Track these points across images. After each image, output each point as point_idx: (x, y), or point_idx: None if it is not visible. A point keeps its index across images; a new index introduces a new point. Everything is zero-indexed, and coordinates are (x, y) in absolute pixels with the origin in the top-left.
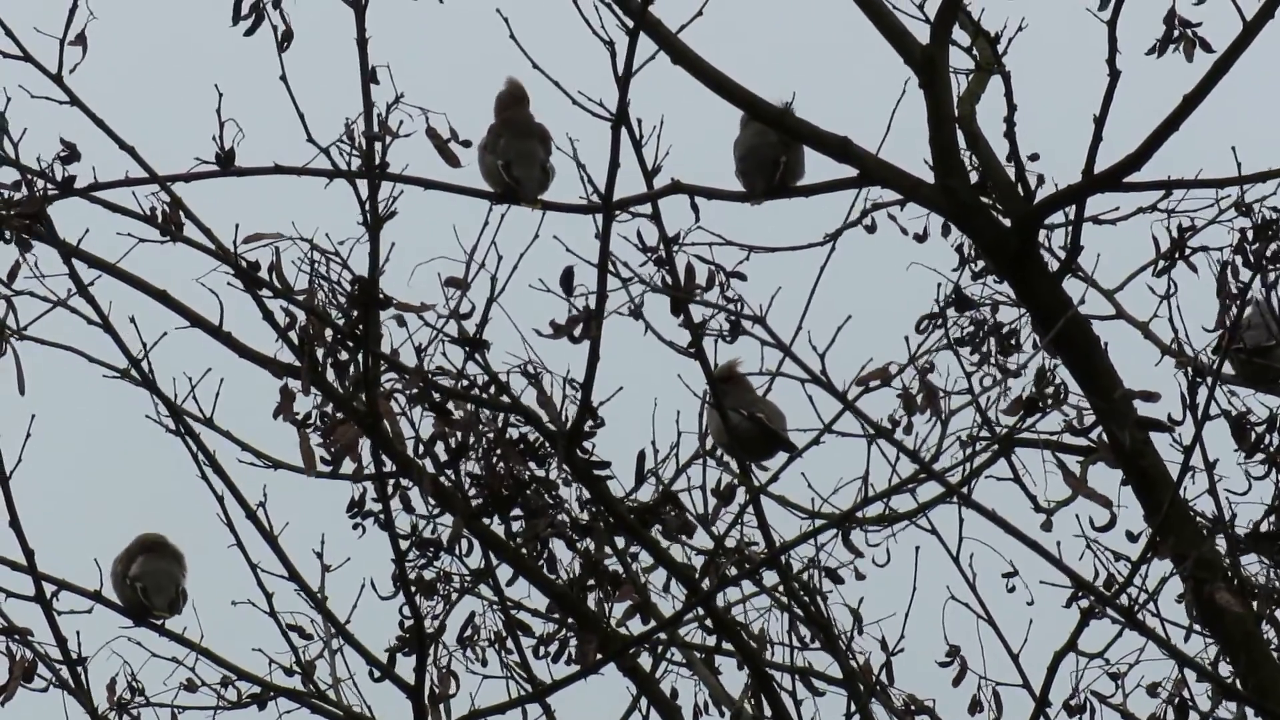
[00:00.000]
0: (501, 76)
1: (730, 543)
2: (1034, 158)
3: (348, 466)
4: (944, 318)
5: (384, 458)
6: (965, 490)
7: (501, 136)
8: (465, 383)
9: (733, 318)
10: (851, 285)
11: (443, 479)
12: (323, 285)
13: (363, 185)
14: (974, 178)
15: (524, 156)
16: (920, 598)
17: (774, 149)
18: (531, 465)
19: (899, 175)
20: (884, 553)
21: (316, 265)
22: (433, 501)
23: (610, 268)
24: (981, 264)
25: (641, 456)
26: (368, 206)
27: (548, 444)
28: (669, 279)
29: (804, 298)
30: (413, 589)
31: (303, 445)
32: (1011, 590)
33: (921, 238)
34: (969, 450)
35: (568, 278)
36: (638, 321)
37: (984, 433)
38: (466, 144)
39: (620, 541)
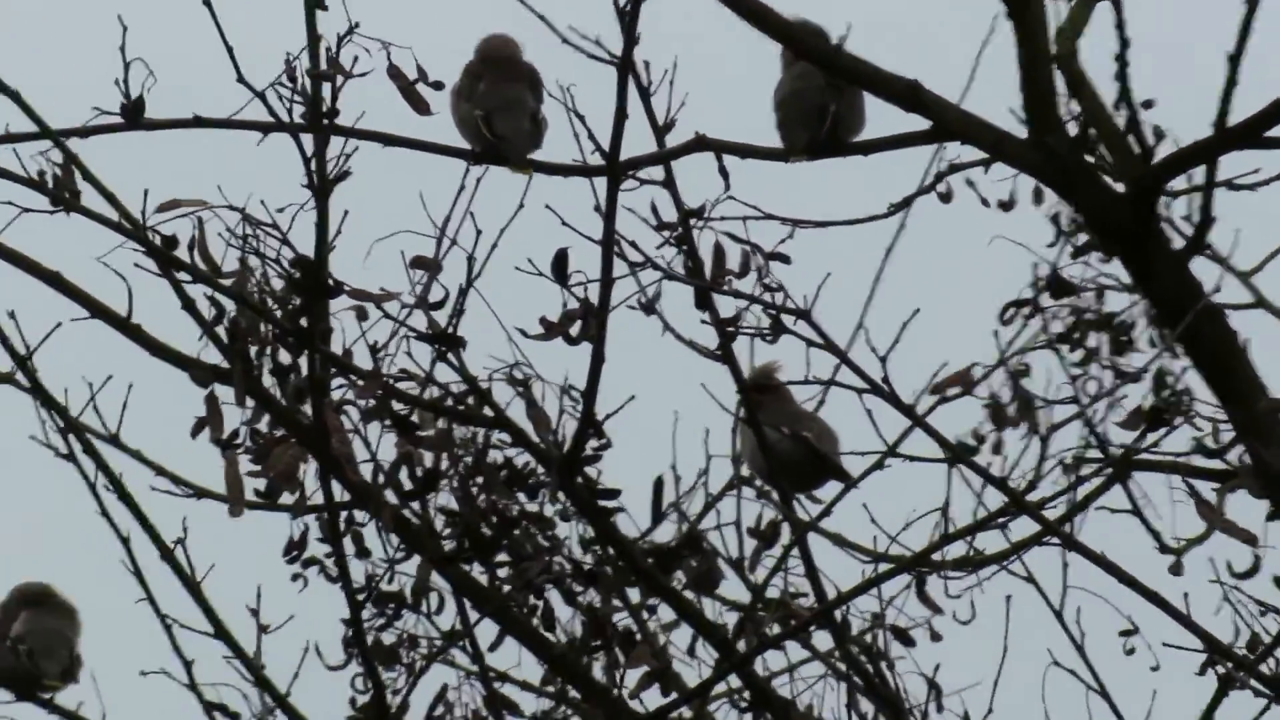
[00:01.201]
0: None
1: (772, 594)
2: (1149, 105)
3: (287, 498)
4: (1036, 305)
5: (334, 486)
6: (1070, 527)
7: (481, 80)
8: (436, 391)
9: (773, 311)
10: (922, 269)
11: (408, 514)
12: (258, 267)
13: (307, 140)
14: (1076, 131)
15: (509, 105)
16: (1014, 662)
17: (823, 95)
18: (521, 497)
19: (981, 129)
20: (967, 606)
21: (249, 241)
22: (395, 542)
23: (617, 248)
24: (1084, 239)
25: (659, 486)
26: (314, 167)
27: (541, 469)
28: (691, 263)
29: (863, 285)
30: (370, 655)
31: (230, 471)
32: (1130, 653)
33: (1008, 205)
34: (1074, 476)
35: (561, 261)
36: (651, 317)
37: (1094, 453)
38: (438, 86)
39: (633, 593)
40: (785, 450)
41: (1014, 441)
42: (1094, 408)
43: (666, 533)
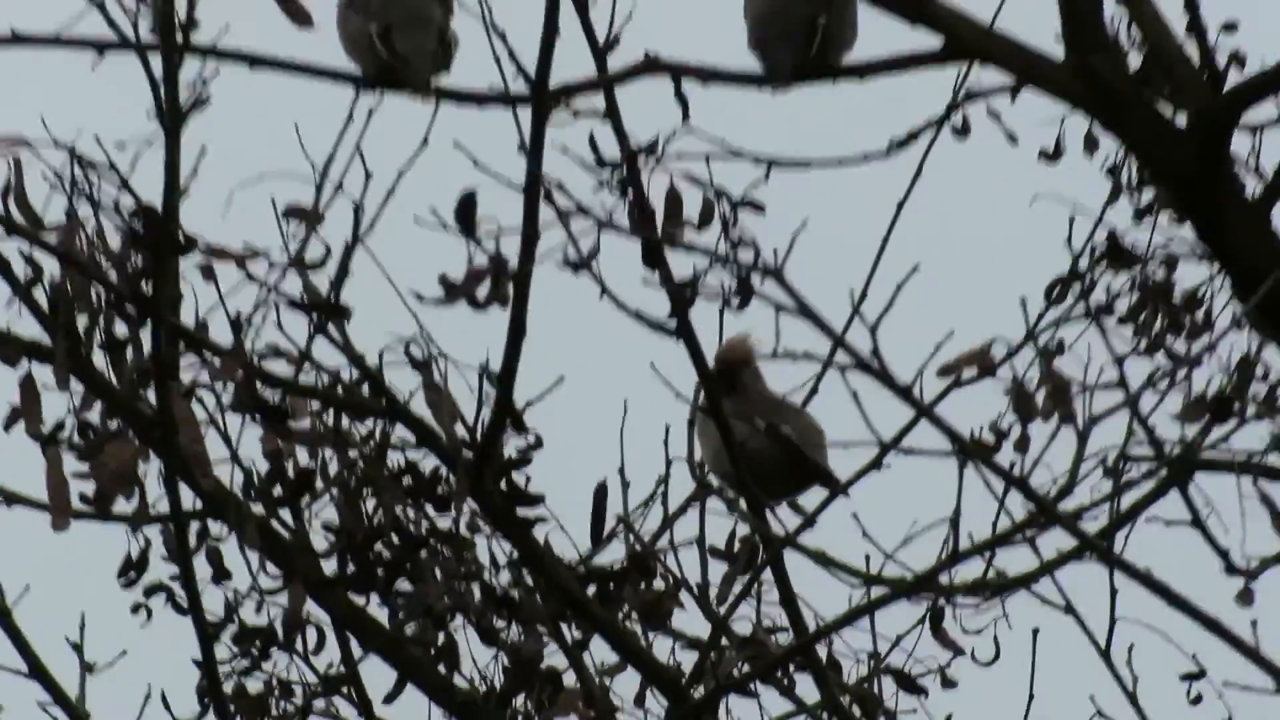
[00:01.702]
0: None
1: (740, 627)
2: (1231, 28)
3: (124, 506)
4: (1089, 280)
5: (182, 492)
6: (1113, 541)
7: None
8: (314, 374)
9: (742, 272)
10: (929, 220)
11: (278, 527)
12: (89, 218)
13: (155, 61)
14: (1125, 51)
15: (411, 18)
16: (1045, 708)
17: (808, 5)
18: (424, 508)
19: (1007, 47)
20: (988, 643)
21: (80, 187)
22: (263, 563)
23: (545, 193)
24: (1150, 195)
25: (601, 495)
26: (163, 94)
27: (447, 471)
28: (639, 210)
29: (856, 243)
30: (229, 706)
31: (52, 472)
32: (1195, 702)
33: (1054, 154)
34: (1119, 478)
35: (467, 207)
36: (584, 277)
37: (1144, 450)
38: None
39: (567, 628)
40: (758, 449)
41: (1043, 436)
42: (1146, 395)
43: (611, 554)
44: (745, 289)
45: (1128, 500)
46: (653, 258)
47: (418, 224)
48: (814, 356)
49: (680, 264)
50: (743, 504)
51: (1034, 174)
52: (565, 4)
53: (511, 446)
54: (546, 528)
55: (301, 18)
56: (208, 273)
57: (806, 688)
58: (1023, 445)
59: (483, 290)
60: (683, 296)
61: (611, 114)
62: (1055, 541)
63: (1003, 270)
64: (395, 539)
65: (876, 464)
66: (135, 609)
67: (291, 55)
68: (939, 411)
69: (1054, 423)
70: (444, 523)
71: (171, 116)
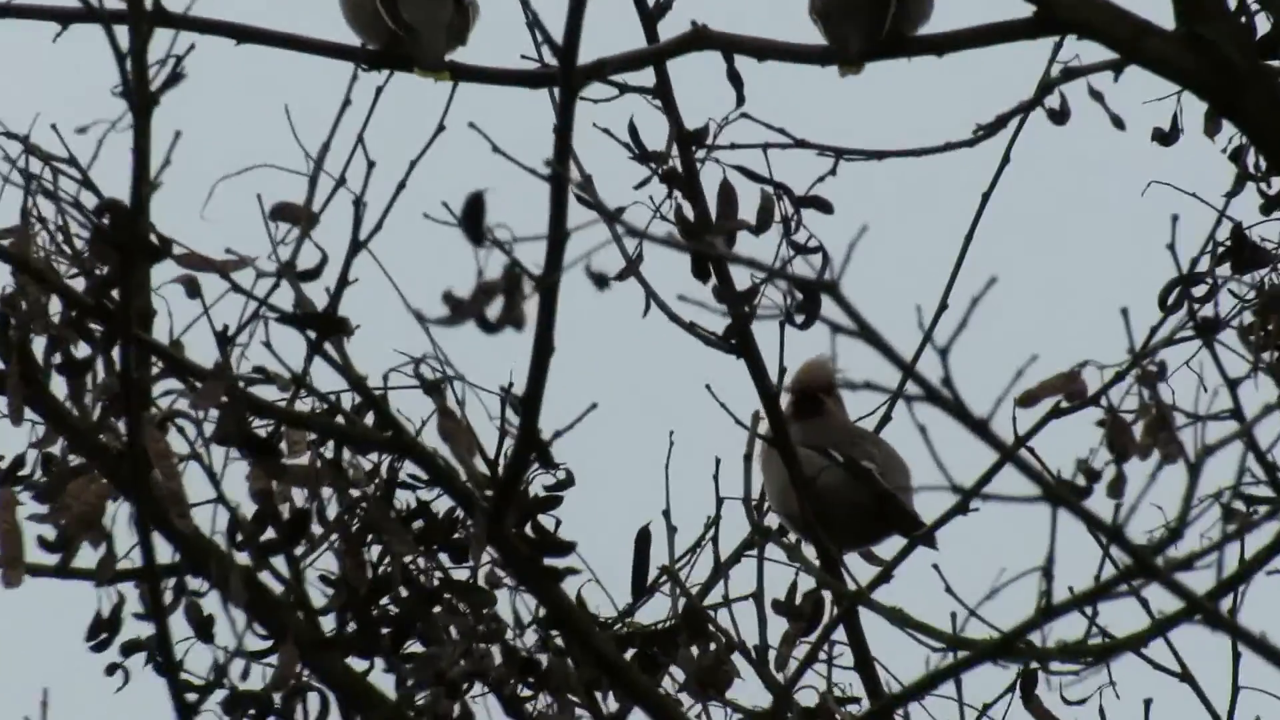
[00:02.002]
0: None
1: (806, 697)
2: None
3: (90, 554)
4: (1214, 282)
5: (158, 539)
6: (1229, 601)
7: None
8: (309, 401)
9: (808, 284)
10: (1017, 219)
11: (267, 579)
12: (49, 218)
13: (123, 34)
14: (1247, 20)
15: None
16: None
17: None
18: (437, 556)
19: (1109, 16)
20: (1091, 713)
21: (36, 180)
22: (251, 621)
23: (575, 187)
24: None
25: (644, 541)
26: (130, 70)
27: (464, 514)
28: (687, 211)
29: (933, 243)
30: None
31: (4, 517)
32: None
33: (1167, 136)
34: (1234, 523)
35: (475, 209)
36: (627, 289)
37: (1265, 490)
38: None
39: (603, 697)
40: (831, 486)
41: (1141, 475)
42: (1264, 424)
43: (655, 610)
44: (811, 303)
45: (1249, 551)
46: (705, 266)
47: (430, 223)
48: (877, 387)
49: (741, 274)
50: (808, 552)
51: (1140, 163)
52: None
53: (538, 484)
54: (579, 580)
55: None
56: (185, 282)
57: None
58: (1117, 489)
59: (495, 308)
60: (742, 309)
61: (659, 92)
62: (1160, 598)
63: (1102, 278)
64: (404, 593)
65: (962, 508)
66: (111, 670)
67: (282, 26)
68: (1025, 447)
69: (1155, 459)
70: (460, 574)
71: (141, 97)
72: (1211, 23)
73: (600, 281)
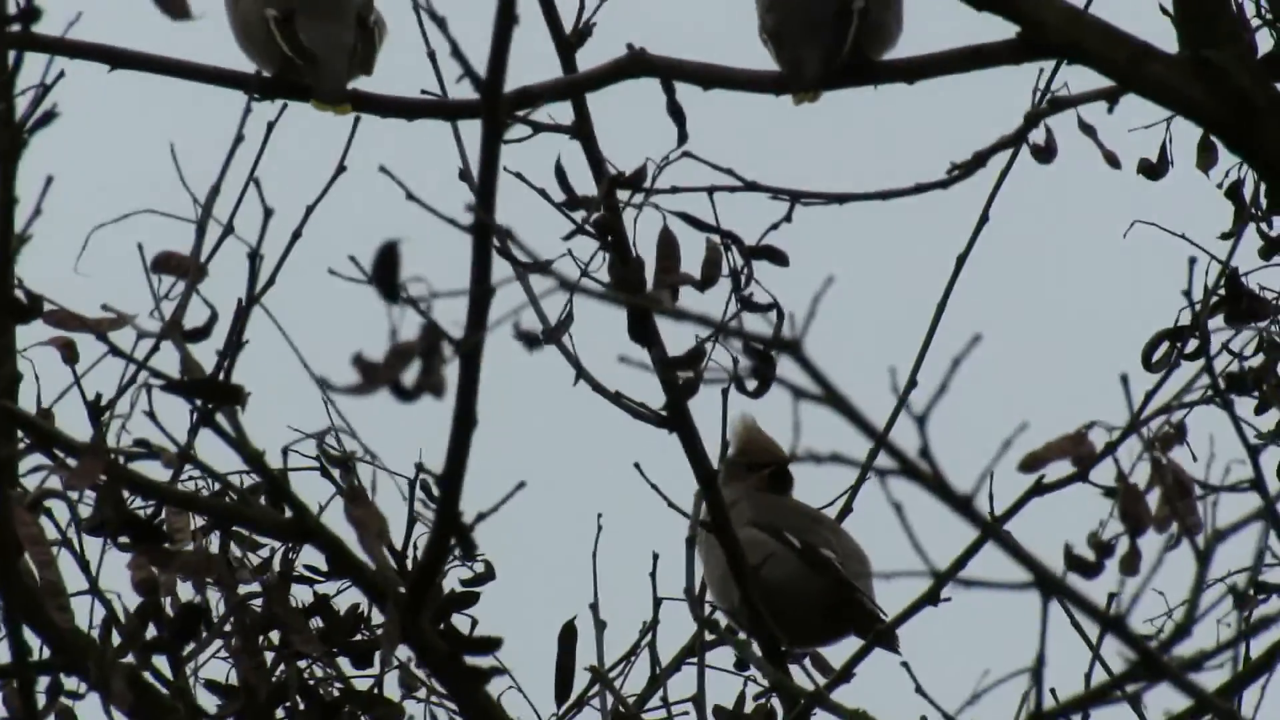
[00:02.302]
0: None
1: None
2: None
3: None
4: (1204, 334)
5: (27, 635)
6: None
7: None
8: (198, 479)
9: (766, 342)
10: (999, 263)
11: (151, 681)
12: None
13: None
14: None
15: (319, 1)
16: None
17: None
18: (337, 661)
19: (1103, 38)
20: None
21: None
22: None
23: (496, 238)
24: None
25: (568, 637)
26: None
27: (370, 611)
28: (622, 263)
29: (903, 294)
30: None
31: None
32: None
33: (1156, 169)
34: (1250, 611)
35: (387, 261)
36: (549, 354)
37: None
38: None
39: None
40: (785, 579)
41: (1152, 552)
42: None
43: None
44: (764, 371)
45: (1261, 644)
46: (641, 328)
47: (333, 278)
48: (844, 459)
49: (677, 333)
50: (756, 649)
51: (1131, 198)
52: None
53: (451, 577)
54: (498, 685)
55: (177, 7)
56: (58, 345)
57: None
58: (1131, 565)
59: (411, 373)
60: (680, 379)
61: (582, 131)
62: (1168, 698)
63: (1094, 329)
64: (300, 704)
65: (931, 598)
66: None
67: (164, 51)
68: (1012, 527)
69: (1166, 535)
70: (363, 682)
71: (8, 134)
72: (1221, 46)
73: (531, 342)
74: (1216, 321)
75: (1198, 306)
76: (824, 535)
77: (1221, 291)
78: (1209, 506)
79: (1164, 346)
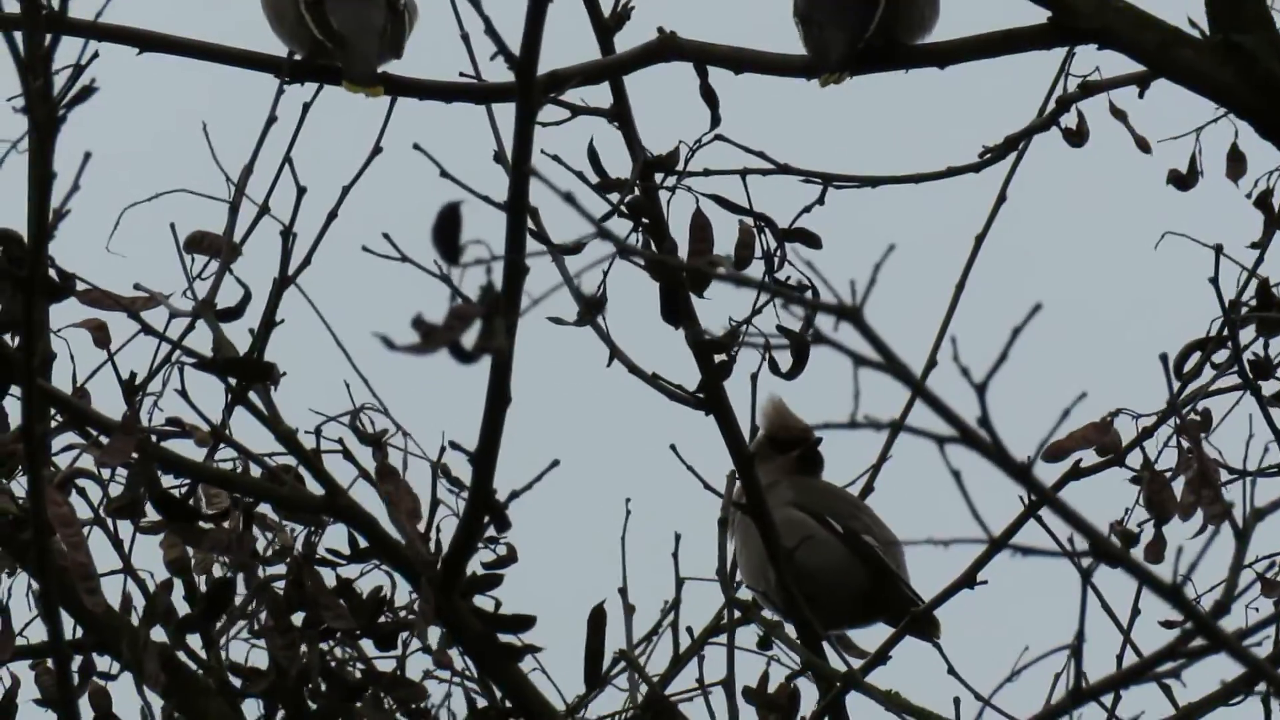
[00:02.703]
0: None
1: None
2: None
3: None
4: (1235, 344)
5: (63, 616)
6: None
7: None
8: (231, 458)
9: (796, 327)
10: (1029, 251)
11: (186, 660)
12: None
13: (20, 40)
14: None
15: None
16: None
17: None
18: (360, 644)
19: (1134, 23)
20: None
21: None
22: (169, 711)
23: (531, 219)
24: None
25: (598, 622)
26: (31, 83)
27: (396, 590)
28: (654, 244)
29: (939, 283)
30: None
31: None
32: None
33: (1185, 179)
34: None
35: (449, 225)
36: (585, 333)
37: None
38: None
39: None
40: (826, 565)
41: (1184, 537)
42: None
43: (612, 701)
44: (800, 351)
45: None
46: (675, 308)
47: (367, 254)
48: (908, 428)
49: (711, 312)
50: (789, 632)
51: (1163, 199)
52: None
53: (473, 561)
54: (524, 667)
55: None
56: (91, 327)
57: None
58: (1156, 553)
59: (470, 334)
60: (714, 358)
61: (619, 113)
62: (1214, 668)
63: (1119, 325)
64: (329, 677)
65: (968, 581)
66: None
67: (196, 35)
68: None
69: (1201, 519)
70: (392, 654)
71: (44, 112)
72: (1251, 32)
73: (595, 306)
74: (1248, 332)
75: (1231, 313)
76: (864, 521)
77: (1253, 301)
78: (1247, 487)
79: (1195, 357)
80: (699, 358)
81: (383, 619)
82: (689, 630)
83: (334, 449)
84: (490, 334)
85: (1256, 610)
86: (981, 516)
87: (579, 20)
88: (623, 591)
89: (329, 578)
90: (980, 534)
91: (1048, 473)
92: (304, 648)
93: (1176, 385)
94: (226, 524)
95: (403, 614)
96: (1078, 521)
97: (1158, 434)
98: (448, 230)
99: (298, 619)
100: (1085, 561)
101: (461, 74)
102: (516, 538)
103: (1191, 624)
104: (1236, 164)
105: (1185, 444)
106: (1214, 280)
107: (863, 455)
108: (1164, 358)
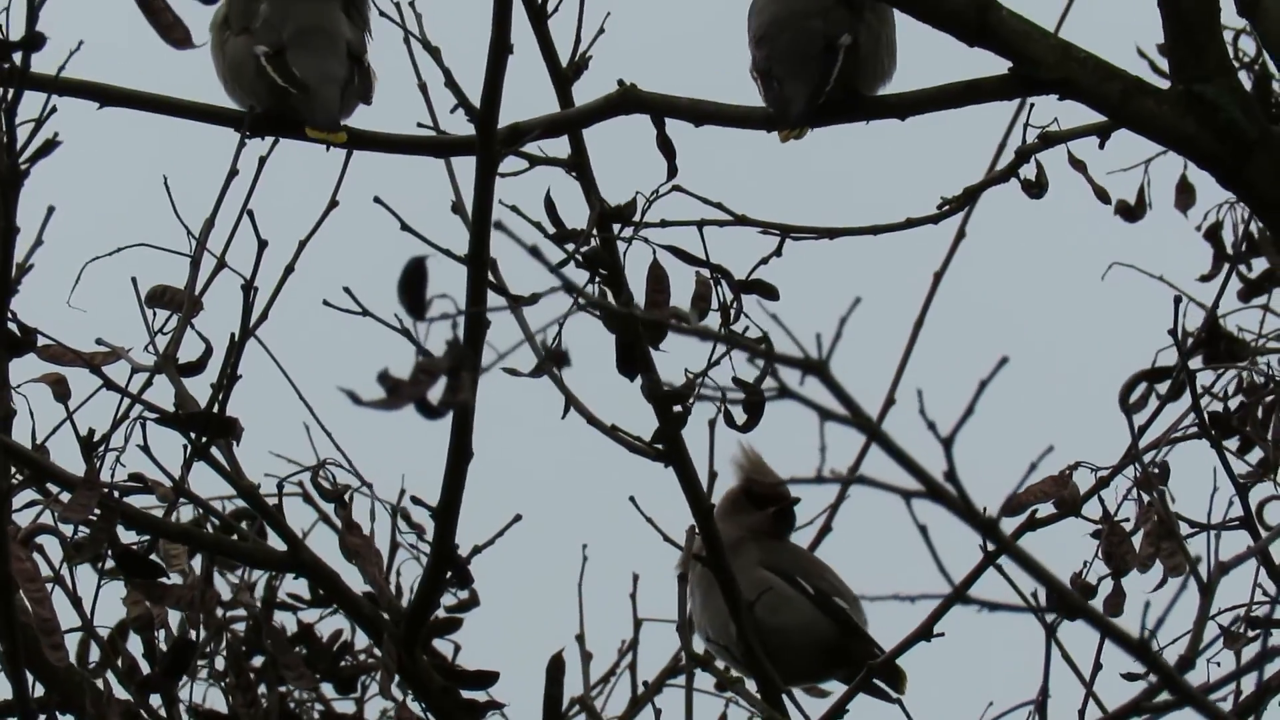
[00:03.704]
0: None
1: None
2: None
3: None
4: (1182, 377)
5: (24, 675)
6: None
7: None
8: (193, 512)
9: (795, 362)
10: (993, 305)
11: (145, 716)
12: None
13: None
14: (1251, 76)
15: (311, 33)
16: None
17: (829, 19)
18: (327, 688)
19: (1094, 73)
20: None
21: None
22: None
23: (491, 272)
24: (1263, 265)
25: (556, 669)
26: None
27: (370, 641)
28: (611, 295)
29: (897, 334)
30: None
31: None
32: None
33: (1134, 211)
34: (1242, 648)
35: (415, 279)
36: (543, 383)
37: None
38: None
39: None
40: (797, 623)
41: (1143, 590)
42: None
43: None
44: (755, 404)
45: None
46: (632, 360)
47: (328, 309)
48: (869, 481)
49: (667, 363)
50: (748, 684)
51: (1114, 233)
52: (521, 12)
53: (445, 604)
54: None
55: (177, 34)
56: (51, 383)
57: None
58: (1115, 605)
59: (435, 389)
60: (672, 411)
61: (577, 164)
62: None
63: (1074, 365)
64: None
65: (925, 633)
66: None
67: (160, 89)
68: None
69: (1160, 572)
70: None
71: (8, 167)
72: (1213, 81)
73: (559, 360)
74: (1196, 363)
75: (1180, 345)
76: (832, 582)
77: (1201, 333)
78: (1211, 540)
79: (1141, 387)
80: (657, 408)
81: (344, 663)
82: (645, 683)
83: (295, 493)
84: (456, 389)
85: (1219, 665)
86: (945, 569)
87: (536, 69)
88: (580, 638)
89: (290, 621)
90: (942, 586)
91: (1007, 526)
92: (263, 688)
93: (1135, 432)
94: (185, 580)
95: (363, 658)
96: (1043, 575)
97: (1118, 485)
98: (414, 285)
99: (258, 660)
100: (1049, 617)
101: (420, 124)
102: (481, 586)
103: (1157, 678)
104: (1185, 195)
105: (1144, 496)
106: (1173, 332)
107: (820, 498)
108: (1123, 403)
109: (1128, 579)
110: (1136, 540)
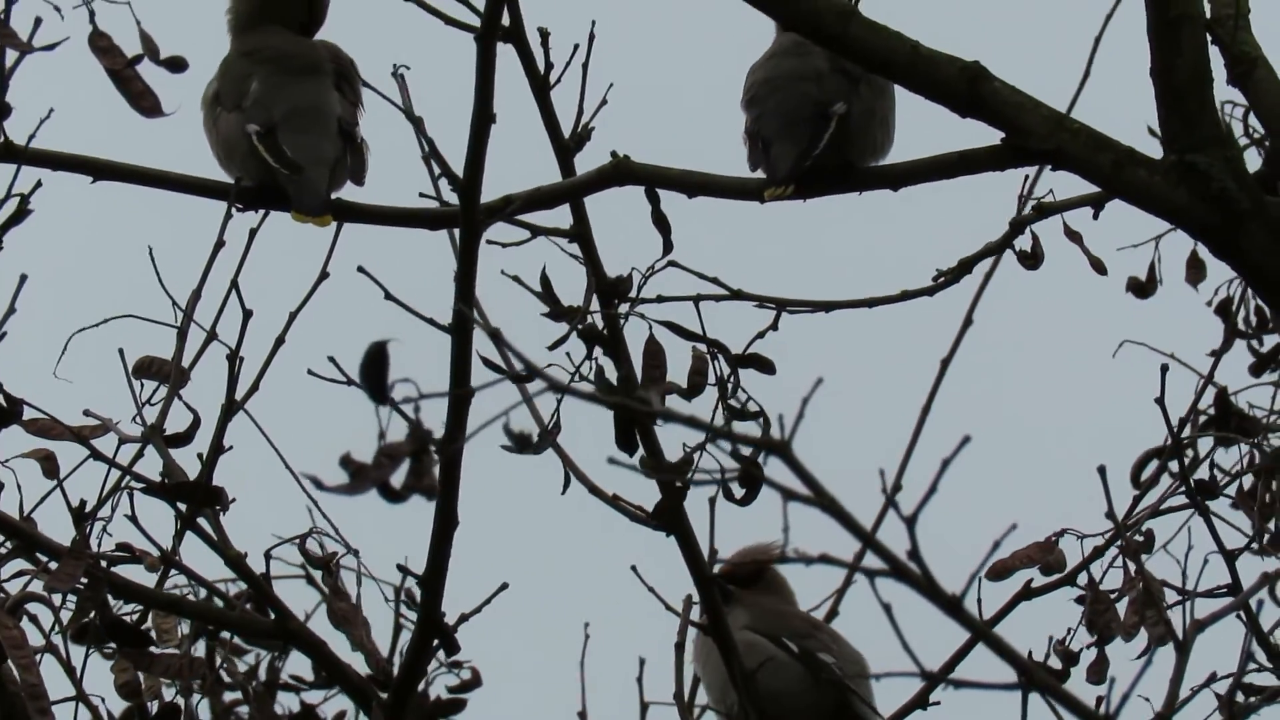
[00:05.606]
0: None
1: None
2: None
3: None
4: (1182, 455)
5: None
6: None
7: (253, 72)
8: (180, 582)
9: (757, 444)
10: (983, 370)
11: None
12: None
13: None
14: (1244, 146)
15: (302, 114)
16: None
17: (823, 88)
18: None
19: (1087, 144)
20: None
21: None
22: None
23: (494, 340)
24: (1272, 340)
25: None
26: None
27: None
28: (609, 372)
29: (889, 398)
30: None
31: None
32: None
33: (1144, 286)
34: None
35: (376, 364)
36: (542, 460)
37: (1263, 679)
38: (176, 66)
39: None
40: (786, 688)
41: (1125, 659)
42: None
43: None
44: (752, 476)
45: None
46: (629, 435)
47: (313, 379)
48: (833, 560)
49: (669, 435)
50: None
51: (1122, 309)
52: (521, 80)
53: (439, 684)
54: None
55: (147, 103)
56: (39, 458)
57: None
58: (1099, 673)
59: (399, 474)
60: (672, 488)
61: (575, 236)
62: None
63: (1080, 439)
64: None
65: (921, 702)
66: None
67: (144, 162)
68: (998, 631)
69: (1144, 641)
70: None
71: None
72: (1205, 150)
73: (523, 443)
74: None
75: (1186, 422)
76: (822, 640)
77: (1211, 410)
78: (1188, 608)
79: (1153, 465)
80: (658, 481)
81: None
82: None
83: (290, 574)
84: (420, 473)
85: None
86: (917, 647)
87: (539, 139)
88: (582, 715)
89: (293, 702)
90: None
91: (994, 592)
92: None
93: (1129, 501)
94: (178, 650)
95: None
96: (1010, 654)
97: (1105, 552)
98: (375, 370)
99: None
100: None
101: (422, 195)
102: (478, 661)
103: None
104: (1196, 271)
105: (1130, 565)
106: (1159, 400)
107: (825, 582)
108: (1102, 471)
109: (1114, 646)
110: (1121, 608)
